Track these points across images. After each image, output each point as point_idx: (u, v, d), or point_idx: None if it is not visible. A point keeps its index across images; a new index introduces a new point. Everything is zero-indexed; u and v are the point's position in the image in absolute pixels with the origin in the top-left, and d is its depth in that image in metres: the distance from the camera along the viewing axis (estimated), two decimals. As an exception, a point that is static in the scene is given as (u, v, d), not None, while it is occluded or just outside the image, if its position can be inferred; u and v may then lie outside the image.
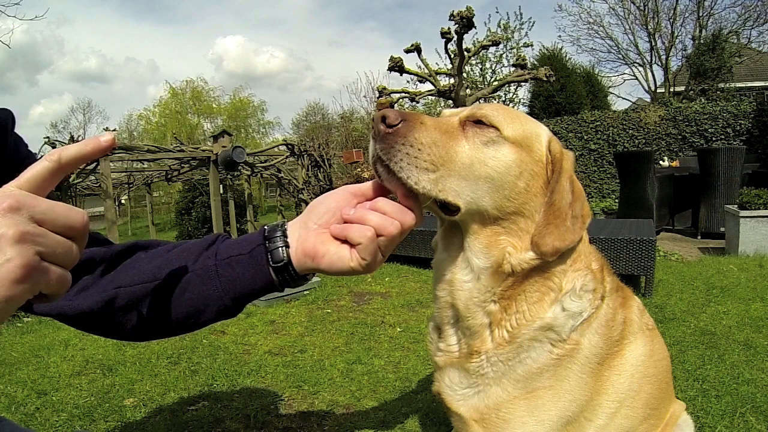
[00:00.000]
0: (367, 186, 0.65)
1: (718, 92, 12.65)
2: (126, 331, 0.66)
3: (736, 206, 4.09)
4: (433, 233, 0.86)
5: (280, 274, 0.63)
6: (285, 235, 0.64)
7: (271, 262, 0.63)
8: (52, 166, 0.42)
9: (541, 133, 0.77)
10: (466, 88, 6.61)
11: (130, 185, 10.74)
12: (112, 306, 0.63)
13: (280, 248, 0.62)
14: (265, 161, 7.68)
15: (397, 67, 6.02)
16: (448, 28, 5.49)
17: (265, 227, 0.66)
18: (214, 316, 0.65)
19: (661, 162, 7.74)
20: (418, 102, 7.39)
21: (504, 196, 0.72)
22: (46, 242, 0.39)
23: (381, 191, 0.65)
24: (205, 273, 0.64)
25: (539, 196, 0.74)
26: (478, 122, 0.73)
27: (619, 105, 21.06)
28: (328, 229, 0.62)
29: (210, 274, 0.63)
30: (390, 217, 0.60)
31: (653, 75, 17.37)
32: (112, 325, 0.66)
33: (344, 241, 0.61)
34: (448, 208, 0.71)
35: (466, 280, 0.76)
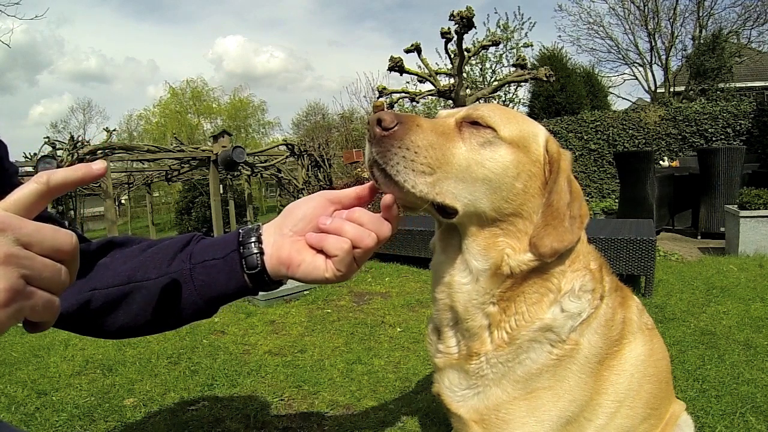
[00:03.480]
0: (344, 193, 0.64)
1: (718, 92, 12.64)
2: (105, 331, 0.66)
3: (736, 206, 4.09)
4: (434, 233, 0.85)
5: (254, 279, 0.63)
6: (260, 241, 0.63)
7: (245, 269, 0.62)
8: (41, 188, 0.41)
9: (538, 132, 0.77)
10: (466, 88, 6.61)
11: (130, 185, 10.75)
12: (88, 308, 0.63)
13: (254, 255, 0.62)
14: (265, 161, 7.68)
15: (397, 67, 6.02)
16: (448, 28, 5.49)
17: (240, 230, 0.65)
18: (189, 317, 0.66)
19: (661, 162, 7.73)
20: (417, 102, 7.39)
21: (502, 198, 0.71)
22: (32, 265, 0.37)
23: (358, 199, 0.64)
24: (180, 276, 0.63)
25: (537, 196, 0.74)
26: (475, 123, 0.73)
27: (619, 105, 21.07)
28: (303, 236, 0.61)
29: (184, 278, 0.63)
30: (367, 228, 0.59)
31: (653, 75, 17.38)
32: (90, 326, 0.66)
33: (320, 251, 0.60)
34: (445, 210, 0.71)
35: (465, 282, 0.76)
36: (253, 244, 0.62)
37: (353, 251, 0.59)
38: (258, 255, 0.62)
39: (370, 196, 0.64)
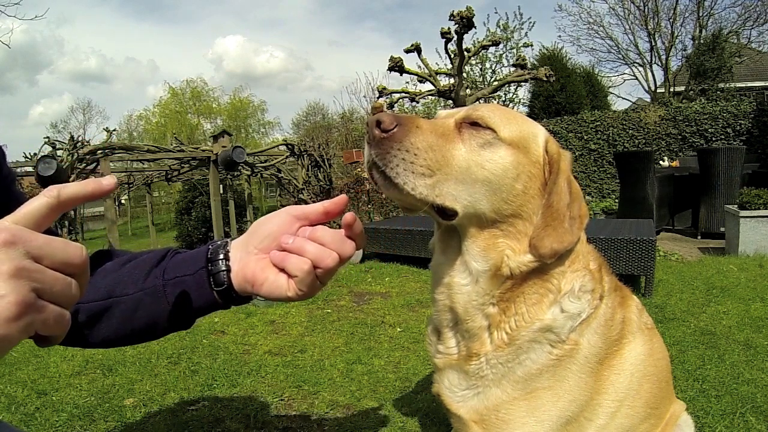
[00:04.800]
0: (311, 208, 0.62)
1: (718, 92, 12.64)
2: (90, 342, 0.68)
3: (736, 206, 4.09)
4: (434, 233, 0.85)
5: (222, 296, 0.64)
6: (227, 258, 0.63)
7: (213, 286, 0.63)
8: (51, 202, 0.40)
9: (537, 133, 0.77)
10: (466, 88, 6.61)
11: (130, 185, 10.75)
12: (75, 321, 0.64)
13: (221, 272, 0.63)
14: (265, 161, 7.68)
15: (397, 67, 6.02)
16: (448, 28, 5.49)
17: (210, 246, 0.66)
18: (166, 330, 0.67)
19: (661, 162, 7.74)
20: (417, 102, 7.39)
21: (502, 199, 0.71)
22: (43, 278, 0.37)
23: (325, 214, 0.62)
24: (154, 292, 0.65)
25: (537, 197, 0.73)
26: (474, 124, 0.72)
27: (619, 105, 21.10)
28: (268, 254, 0.61)
29: (158, 293, 0.64)
30: (328, 248, 0.58)
31: (653, 75, 17.38)
32: (76, 338, 0.67)
33: (283, 269, 0.60)
34: (445, 212, 0.71)
35: (465, 283, 0.76)
36: (221, 261, 0.63)
37: (315, 271, 0.58)
38: (225, 272, 0.63)
39: (337, 211, 0.62)
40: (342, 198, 0.62)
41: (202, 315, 0.67)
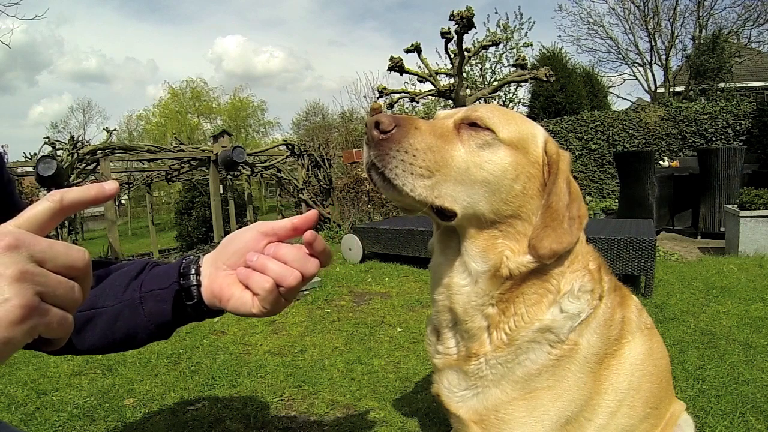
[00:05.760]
0: (279, 224, 0.62)
1: (718, 92, 12.64)
2: (77, 349, 0.69)
3: (736, 206, 4.09)
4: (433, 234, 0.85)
5: (194, 309, 0.65)
6: (198, 273, 0.64)
7: (185, 299, 0.65)
8: (54, 206, 0.41)
9: (537, 134, 0.77)
10: (466, 88, 6.61)
11: (130, 185, 10.73)
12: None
13: (192, 287, 0.64)
14: (265, 161, 7.68)
15: (397, 67, 6.02)
16: (448, 28, 5.49)
17: (183, 261, 0.67)
18: (145, 340, 0.68)
19: (661, 162, 7.74)
20: (417, 102, 7.39)
21: (501, 200, 0.71)
22: (47, 282, 0.37)
23: (294, 230, 0.62)
24: (132, 304, 0.66)
25: (536, 198, 0.73)
26: (473, 125, 0.72)
27: (619, 105, 21.10)
28: (235, 270, 0.61)
29: (135, 306, 0.66)
30: (291, 266, 0.58)
31: (653, 75, 17.40)
32: (65, 345, 0.68)
33: (248, 286, 0.61)
34: (444, 213, 0.71)
35: (464, 284, 0.76)
36: (192, 276, 0.64)
37: (278, 289, 0.58)
38: (196, 287, 0.64)
39: (306, 227, 0.61)
40: (312, 213, 0.61)
41: (178, 326, 0.68)
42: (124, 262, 0.74)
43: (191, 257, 0.68)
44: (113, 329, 0.67)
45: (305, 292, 3.55)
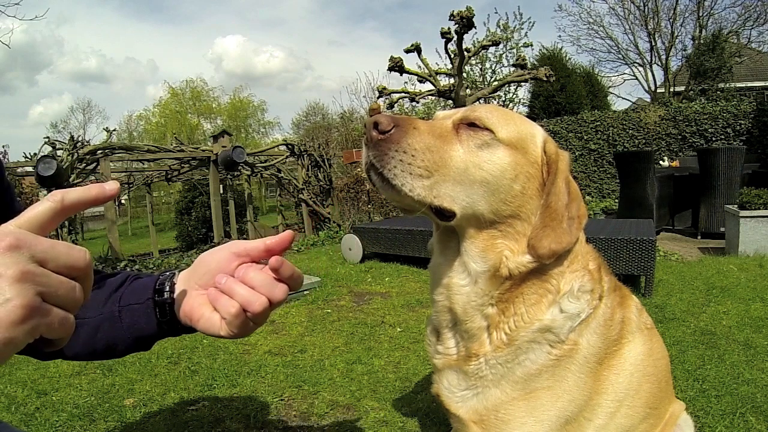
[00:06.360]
0: (252, 245, 0.60)
1: (718, 92, 12.64)
2: (66, 356, 0.70)
3: (736, 206, 4.09)
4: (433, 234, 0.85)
5: (168, 326, 0.65)
6: (172, 290, 0.64)
7: (158, 316, 0.65)
8: (55, 206, 0.41)
9: (536, 133, 0.77)
10: (466, 88, 6.61)
11: (130, 185, 10.74)
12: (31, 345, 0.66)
13: (166, 304, 0.64)
14: (265, 161, 7.68)
15: (397, 67, 6.02)
16: (448, 28, 5.49)
17: (159, 277, 0.67)
18: (125, 351, 0.69)
19: (661, 162, 7.74)
20: (417, 102, 7.39)
21: (500, 200, 0.71)
22: (48, 282, 0.37)
23: (267, 252, 0.60)
24: (111, 317, 0.67)
25: (535, 198, 0.73)
26: (472, 125, 0.72)
27: (619, 105, 21.13)
28: (207, 291, 0.61)
29: (114, 319, 0.67)
30: (258, 291, 0.56)
31: (653, 75, 17.41)
32: (45, 353, 0.70)
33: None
34: (443, 213, 0.71)
35: (464, 284, 0.76)
36: (166, 292, 0.65)
37: (245, 313, 0.57)
38: (169, 304, 0.64)
39: (280, 248, 0.59)
40: (287, 235, 0.60)
41: (156, 340, 0.68)
42: (116, 272, 0.75)
43: (167, 273, 0.68)
44: (94, 340, 0.67)
45: (305, 292, 3.54)
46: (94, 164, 5.49)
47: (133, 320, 0.66)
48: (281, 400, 1.94)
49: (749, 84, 16.06)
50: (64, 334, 0.40)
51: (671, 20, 16.37)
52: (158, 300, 0.65)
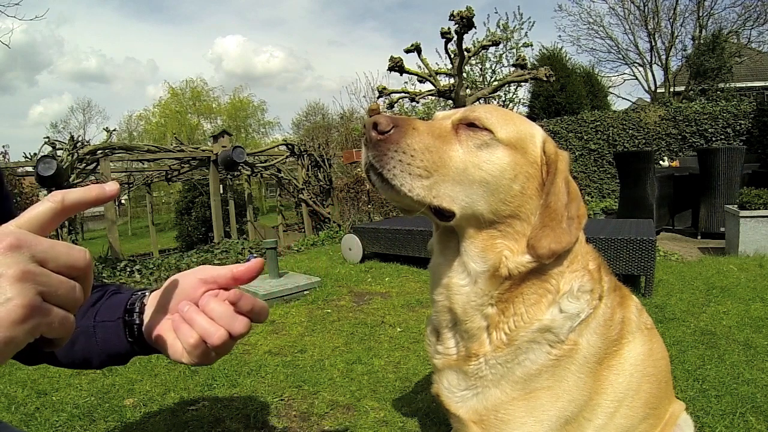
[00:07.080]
0: (219, 272, 0.58)
1: (718, 92, 12.64)
2: (57, 362, 0.70)
3: (736, 206, 4.09)
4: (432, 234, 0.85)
5: (138, 345, 0.65)
6: (142, 311, 0.64)
7: (127, 336, 0.65)
8: (55, 207, 0.41)
9: (535, 133, 0.77)
10: (466, 88, 6.61)
11: (130, 185, 10.74)
12: (33, 344, 0.67)
13: (135, 325, 0.64)
14: (265, 161, 7.69)
15: (397, 67, 6.02)
16: (448, 28, 5.49)
17: (132, 296, 0.67)
18: (102, 364, 0.69)
19: (661, 162, 7.73)
20: (417, 102, 7.39)
21: (499, 200, 0.71)
22: (49, 282, 0.38)
23: (234, 280, 0.58)
24: (86, 331, 0.67)
25: (535, 198, 0.74)
26: (471, 125, 0.72)
27: (619, 105, 21.14)
28: (173, 316, 0.60)
29: (89, 333, 0.67)
30: (218, 323, 0.55)
31: (653, 75, 17.41)
32: (32, 357, 0.71)
33: None
34: (442, 213, 0.71)
35: (464, 284, 0.76)
36: (135, 314, 0.64)
37: (205, 344, 0.55)
38: (137, 326, 0.64)
39: (248, 277, 0.58)
40: (255, 264, 0.58)
41: (130, 357, 0.68)
42: (97, 285, 0.73)
43: (139, 293, 0.67)
44: (72, 352, 0.68)
45: (305, 292, 3.55)
46: (94, 164, 5.50)
47: (106, 337, 0.66)
48: (281, 400, 1.94)
49: (749, 84, 16.06)
50: (64, 334, 0.40)
51: (671, 20, 16.38)
52: (128, 320, 0.65)
